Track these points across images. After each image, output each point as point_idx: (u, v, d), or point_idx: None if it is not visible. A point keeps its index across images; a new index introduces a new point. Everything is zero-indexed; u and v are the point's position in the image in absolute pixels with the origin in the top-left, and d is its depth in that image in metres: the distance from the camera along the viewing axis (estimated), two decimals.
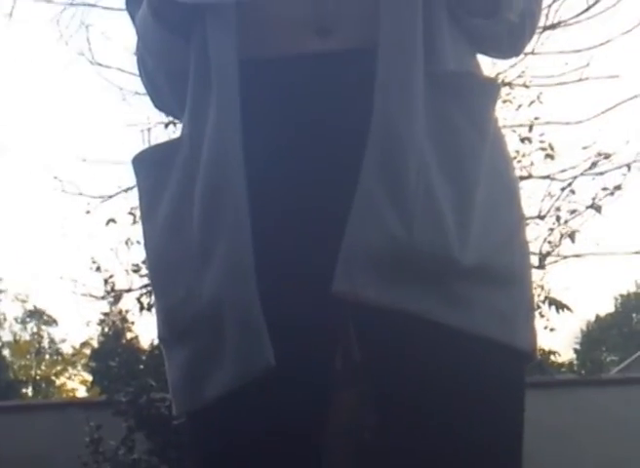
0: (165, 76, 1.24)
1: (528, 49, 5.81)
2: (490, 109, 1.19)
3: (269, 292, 1.07)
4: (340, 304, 1.04)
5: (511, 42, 1.28)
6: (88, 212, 6.83)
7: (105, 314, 7.76)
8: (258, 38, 1.15)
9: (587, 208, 6.28)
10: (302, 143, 1.11)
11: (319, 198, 1.10)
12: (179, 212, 1.14)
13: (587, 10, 5.81)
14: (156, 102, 1.31)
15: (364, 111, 1.08)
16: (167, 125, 6.09)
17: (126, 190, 6.49)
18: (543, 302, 6.60)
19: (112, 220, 6.50)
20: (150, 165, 1.21)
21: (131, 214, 6.29)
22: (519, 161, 6.28)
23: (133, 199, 6.72)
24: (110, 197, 6.57)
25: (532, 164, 6.37)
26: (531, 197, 6.41)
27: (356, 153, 1.07)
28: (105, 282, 7.29)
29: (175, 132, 5.85)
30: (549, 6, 5.77)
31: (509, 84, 6.14)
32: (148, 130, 6.41)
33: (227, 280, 1.07)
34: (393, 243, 1.04)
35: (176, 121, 5.67)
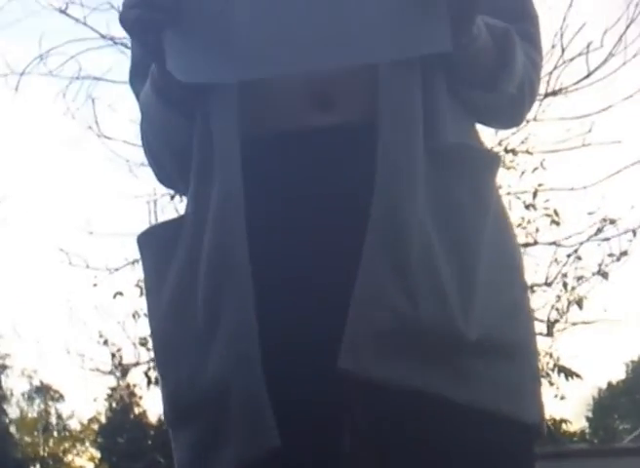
0: (169, 153, 1.25)
1: (530, 115, 5.87)
2: (491, 182, 1.19)
3: (274, 369, 1.06)
4: (347, 381, 1.03)
5: (511, 112, 1.29)
6: (95, 284, 6.83)
7: (113, 389, 7.73)
8: (259, 114, 1.16)
9: (594, 274, 6.27)
10: (305, 217, 1.12)
11: (323, 273, 1.10)
12: (183, 291, 1.14)
13: (588, 76, 5.87)
14: (160, 178, 1.32)
15: (366, 185, 1.08)
16: (173, 196, 6.13)
17: (133, 262, 6.49)
18: (553, 370, 6.55)
19: (119, 293, 6.50)
20: (155, 244, 1.22)
21: (138, 286, 6.29)
22: (524, 227, 6.30)
23: (140, 271, 6.66)
24: (117, 270, 6.57)
25: (537, 230, 6.38)
26: (537, 264, 6.41)
27: (358, 228, 1.07)
28: (113, 356, 7.26)
29: (181, 202, 5.88)
30: (550, 73, 5.84)
31: (512, 151, 6.18)
32: (155, 201, 6.45)
33: (232, 362, 1.07)
34: (398, 319, 1.04)
35: None
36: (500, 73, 1.17)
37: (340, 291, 1.06)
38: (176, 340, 1.15)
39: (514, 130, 5.92)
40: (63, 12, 6.19)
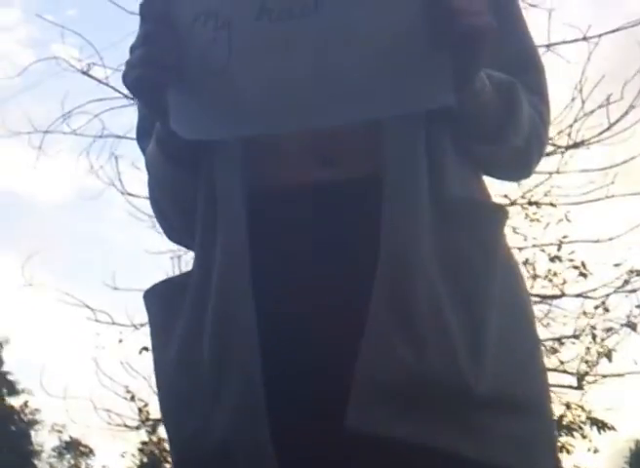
0: (175, 209, 1.25)
1: (553, 168, 5.88)
2: (498, 234, 1.18)
3: (279, 425, 1.05)
4: (353, 436, 1.02)
5: (518, 165, 1.29)
6: (120, 340, 6.85)
7: (144, 443, 7.69)
8: (263, 169, 1.17)
9: (622, 326, 6.20)
10: (309, 272, 1.12)
11: (328, 327, 1.09)
12: (189, 347, 1.14)
13: (609, 128, 5.87)
14: (168, 234, 1.32)
15: (370, 240, 1.08)
16: None
17: None
18: (585, 423, 6.44)
19: (145, 349, 6.50)
20: (161, 300, 1.22)
21: None
22: (550, 280, 6.25)
23: None
24: (142, 325, 6.58)
25: (564, 282, 6.33)
26: (565, 316, 6.36)
27: (363, 282, 1.07)
28: (140, 411, 7.23)
29: None
30: (571, 126, 5.84)
31: (536, 203, 6.16)
32: (178, 257, 6.48)
33: (238, 419, 1.06)
34: (405, 372, 1.03)
35: None
36: (505, 126, 1.17)
37: (345, 345, 1.05)
38: (182, 395, 1.14)
39: (537, 181, 5.92)
40: (86, 73, 6.30)
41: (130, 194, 6.29)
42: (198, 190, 1.19)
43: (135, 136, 1.34)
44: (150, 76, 1.07)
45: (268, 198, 1.16)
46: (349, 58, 1.03)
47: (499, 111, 1.15)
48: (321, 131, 1.11)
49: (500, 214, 1.21)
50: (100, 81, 6.27)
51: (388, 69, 1.04)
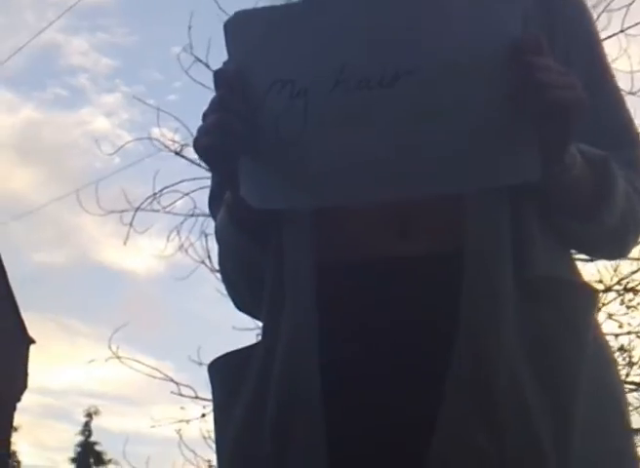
0: (244, 280, 1.22)
1: None
2: (588, 316, 1.11)
3: None
4: None
5: (613, 246, 1.21)
6: (203, 415, 6.82)
7: None
8: (335, 242, 1.12)
9: None
10: (383, 351, 1.07)
11: (401, 410, 1.04)
12: (251, 424, 1.10)
13: None
14: (238, 305, 1.28)
15: (449, 319, 1.03)
16: None
17: None
18: None
19: None
20: (225, 373, 1.18)
21: None
22: None
23: None
24: None
25: None
26: None
27: (440, 362, 1.01)
28: None
29: None
30: None
31: (632, 289, 5.98)
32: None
33: None
34: (483, 461, 0.98)
35: None
36: (599, 204, 1.10)
37: (419, 422, 1.01)
38: None
39: (635, 268, 5.75)
40: (179, 153, 6.45)
41: (218, 271, 6.30)
42: (267, 261, 1.15)
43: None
44: (222, 144, 1.04)
45: (338, 270, 1.11)
46: (430, 131, 1.00)
47: (591, 187, 1.09)
48: (399, 202, 1.07)
49: (590, 293, 1.15)
50: (192, 161, 6.39)
51: (471, 143, 1.00)
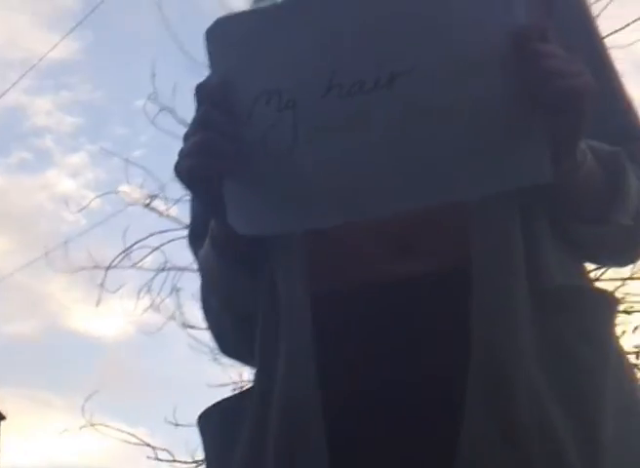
0: (231, 317, 1.12)
1: (625, 273, 5.63)
2: (608, 326, 1.05)
3: None
4: None
5: (626, 247, 1.13)
6: None
7: None
8: (330, 266, 1.03)
9: None
10: (390, 381, 0.99)
11: (416, 442, 0.96)
12: None
13: None
14: (223, 347, 1.18)
15: (459, 339, 0.95)
16: None
17: None
18: None
19: None
20: (217, 424, 1.08)
21: None
22: None
23: None
24: (204, 462, 6.37)
25: None
26: None
27: (455, 387, 0.94)
28: None
29: None
30: None
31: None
32: (241, 388, 6.31)
33: None
34: None
35: None
36: (610, 203, 1.02)
37: (435, 453, 0.94)
38: None
39: (612, 288, 5.69)
40: (147, 206, 6.37)
41: (190, 326, 6.19)
42: (257, 293, 1.06)
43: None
44: (206, 165, 0.94)
45: (336, 298, 1.02)
46: (429, 134, 0.92)
47: (602, 185, 1.01)
48: (400, 216, 0.98)
49: (609, 300, 1.08)
50: (161, 213, 6.32)
51: (474, 145, 0.92)
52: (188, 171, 0.96)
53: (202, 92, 0.97)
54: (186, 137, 0.97)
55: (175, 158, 0.96)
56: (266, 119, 0.94)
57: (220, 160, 0.94)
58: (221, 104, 0.95)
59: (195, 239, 1.17)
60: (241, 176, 0.96)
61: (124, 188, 6.73)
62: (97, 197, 7.03)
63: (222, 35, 0.96)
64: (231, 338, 1.14)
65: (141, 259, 6.36)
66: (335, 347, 1.00)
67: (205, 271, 1.13)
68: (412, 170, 0.92)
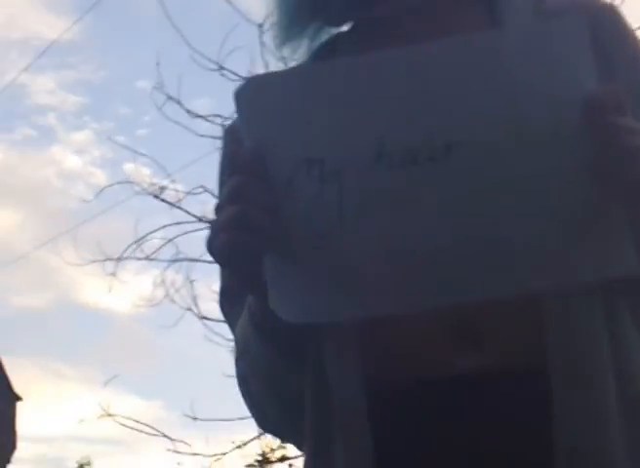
0: (273, 401, 1.01)
1: None
2: None
3: None
4: None
5: None
6: None
7: None
8: (385, 358, 0.92)
9: None
10: None
11: None
12: None
13: None
14: (263, 426, 1.08)
15: (532, 448, 0.87)
16: None
17: (240, 446, 6.26)
18: None
19: None
20: None
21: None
22: None
23: (248, 455, 6.51)
24: (224, 454, 6.32)
25: None
26: None
27: None
28: None
29: None
30: None
31: None
32: None
33: None
34: None
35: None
36: None
37: None
38: None
39: None
40: (157, 197, 6.29)
41: (206, 318, 6.11)
42: (304, 382, 0.95)
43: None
44: (243, 242, 0.83)
45: (392, 394, 0.92)
46: (496, 215, 0.81)
47: None
48: (464, 307, 0.87)
49: None
50: (172, 204, 6.23)
51: (548, 230, 0.81)
52: (223, 247, 0.85)
53: (238, 159, 0.86)
54: (219, 209, 0.86)
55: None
56: (307, 191, 0.83)
57: (258, 235, 0.84)
58: (259, 174, 0.84)
59: (227, 302, 1.06)
60: (282, 255, 0.86)
61: (131, 169, 6.68)
62: (110, 185, 6.94)
63: (255, 96, 0.86)
64: (273, 419, 1.04)
65: (154, 251, 6.30)
66: (391, 446, 0.91)
67: (242, 347, 1.01)
68: (472, 256, 0.82)
